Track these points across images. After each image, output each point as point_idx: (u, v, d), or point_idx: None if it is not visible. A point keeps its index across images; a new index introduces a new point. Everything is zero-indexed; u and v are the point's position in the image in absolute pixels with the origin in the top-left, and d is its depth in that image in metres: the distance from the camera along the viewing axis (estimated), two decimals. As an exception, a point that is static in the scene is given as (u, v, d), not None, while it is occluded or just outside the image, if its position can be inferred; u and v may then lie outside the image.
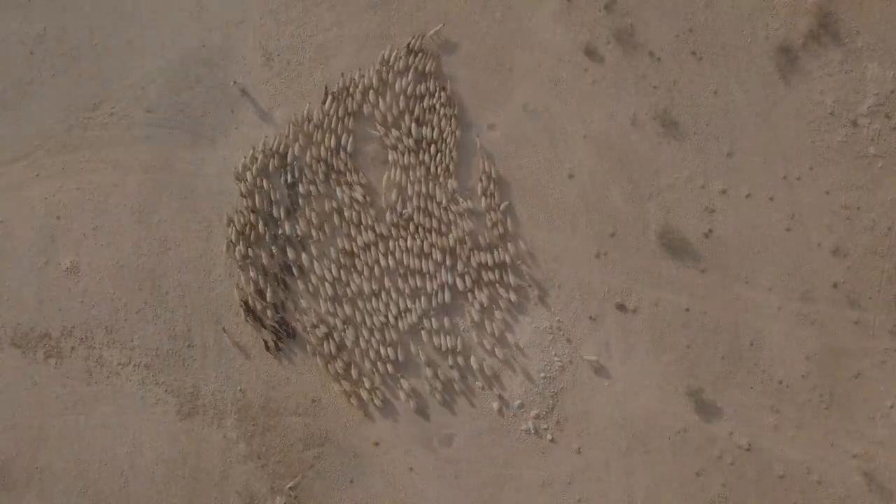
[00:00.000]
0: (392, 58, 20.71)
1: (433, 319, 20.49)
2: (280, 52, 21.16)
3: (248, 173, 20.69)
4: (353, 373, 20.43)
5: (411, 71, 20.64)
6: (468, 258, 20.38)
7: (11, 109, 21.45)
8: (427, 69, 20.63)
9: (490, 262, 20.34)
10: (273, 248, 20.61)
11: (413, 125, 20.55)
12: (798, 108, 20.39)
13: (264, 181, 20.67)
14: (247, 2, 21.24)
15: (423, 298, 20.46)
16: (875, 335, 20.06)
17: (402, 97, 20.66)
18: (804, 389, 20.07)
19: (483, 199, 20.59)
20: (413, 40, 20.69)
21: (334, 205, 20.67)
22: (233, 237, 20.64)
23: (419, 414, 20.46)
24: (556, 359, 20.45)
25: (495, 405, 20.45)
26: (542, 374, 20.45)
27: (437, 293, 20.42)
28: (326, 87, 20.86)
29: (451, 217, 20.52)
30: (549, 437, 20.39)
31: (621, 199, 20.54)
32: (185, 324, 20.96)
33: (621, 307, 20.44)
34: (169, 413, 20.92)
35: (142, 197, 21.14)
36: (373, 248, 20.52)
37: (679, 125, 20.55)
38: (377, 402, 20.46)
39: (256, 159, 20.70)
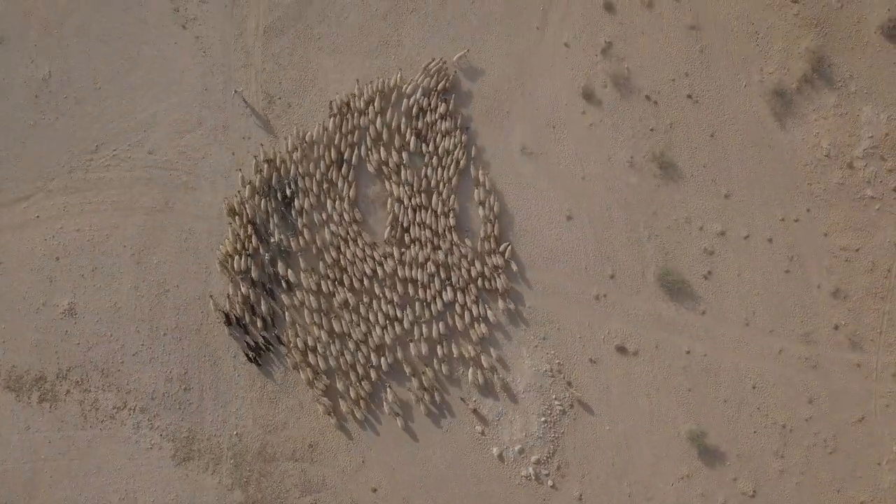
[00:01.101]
0: (399, 80, 21.02)
1: (423, 326, 20.44)
2: (282, 95, 21.44)
3: (247, 187, 20.85)
4: (339, 385, 20.28)
5: (419, 90, 20.88)
6: (459, 268, 20.40)
7: (14, 151, 21.61)
8: (439, 88, 20.91)
9: (484, 272, 20.36)
10: (266, 255, 20.65)
11: (413, 139, 20.80)
12: (794, 150, 20.57)
13: (261, 201, 20.80)
14: (249, 46, 21.59)
15: (416, 305, 20.43)
16: (878, 378, 19.88)
17: (404, 116, 20.88)
18: (808, 434, 19.80)
19: (480, 208, 20.68)
20: (433, 62, 21.02)
21: (324, 217, 20.80)
22: (228, 249, 20.65)
23: (406, 431, 20.27)
24: (556, 402, 20.21)
25: (495, 450, 20.14)
26: (543, 419, 20.20)
27: (429, 303, 20.41)
28: (331, 103, 21.13)
29: (443, 230, 20.57)
30: (549, 482, 20.03)
31: (620, 241, 20.57)
32: (182, 366, 20.78)
33: (622, 350, 20.29)
34: (164, 458, 20.58)
35: (142, 238, 21.17)
36: (359, 262, 20.55)
37: (677, 167, 20.69)
38: (359, 414, 20.26)
39: (261, 171, 20.88)
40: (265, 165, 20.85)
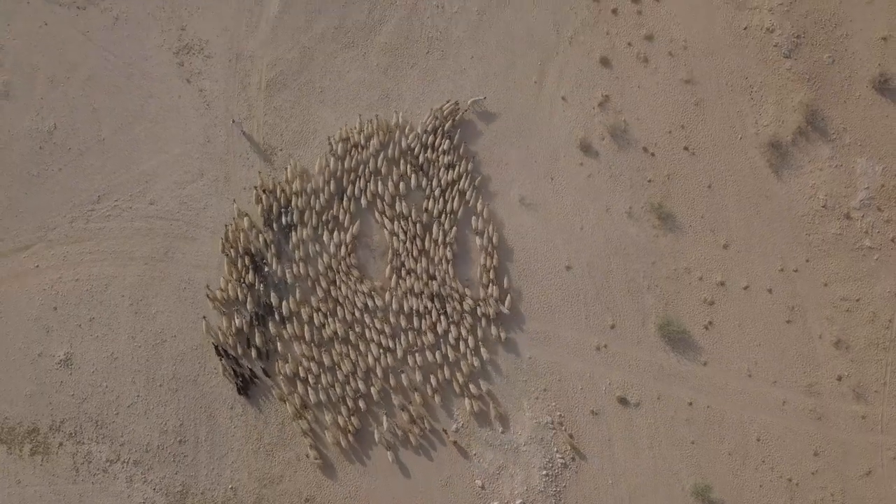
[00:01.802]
0: (400, 120, 21.35)
1: (416, 356, 20.27)
2: (283, 146, 21.69)
3: (244, 218, 20.99)
4: (328, 417, 20.05)
5: (421, 128, 21.18)
6: (453, 300, 20.40)
7: (16, 202, 21.74)
8: (446, 127, 21.19)
9: (479, 304, 20.37)
10: (261, 285, 20.64)
11: (413, 175, 21.01)
12: (791, 201, 20.73)
13: (258, 234, 20.91)
14: (252, 98, 21.96)
15: (409, 335, 20.37)
16: (884, 430, 19.59)
17: (404, 153, 21.14)
18: (815, 488, 19.40)
19: (477, 238, 20.76)
20: (447, 104, 21.32)
21: (318, 248, 20.86)
22: (222, 284, 20.69)
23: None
24: (557, 455, 19.86)
25: (496, 505, 19.78)
26: (544, 472, 19.81)
27: (423, 332, 20.34)
28: (329, 138, 21.39)
29: (440, 259, 20.63)
30: (552, 539, 19.58)
31: (620, 291, 20.53)
32: (177, 418, 20.47)
33: (623, 401, 20.05)
34: (156, 513, 20.14)
35: (140, 288, 21.11)
36: (350, 295, 20.56)
37: (675, 218, 20.82)
38: (344, 443, 19.94)
39: (261, 201, 21.00)
40: (263, 194, 21.01)
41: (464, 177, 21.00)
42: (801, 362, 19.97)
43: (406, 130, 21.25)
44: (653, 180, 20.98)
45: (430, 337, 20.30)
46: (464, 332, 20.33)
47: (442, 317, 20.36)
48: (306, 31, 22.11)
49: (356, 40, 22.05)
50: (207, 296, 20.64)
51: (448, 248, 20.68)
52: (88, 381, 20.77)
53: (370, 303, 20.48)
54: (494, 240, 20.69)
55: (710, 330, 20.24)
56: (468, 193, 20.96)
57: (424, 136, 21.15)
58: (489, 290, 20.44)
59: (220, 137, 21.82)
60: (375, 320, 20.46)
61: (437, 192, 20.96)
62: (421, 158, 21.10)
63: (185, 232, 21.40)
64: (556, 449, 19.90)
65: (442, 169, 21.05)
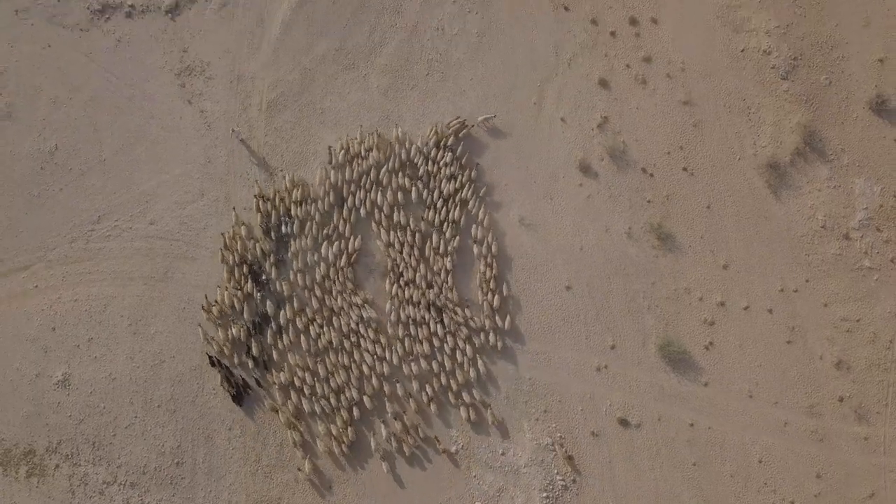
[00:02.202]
0: (400, 134, 21.44)
1: (412, 365, 20.16)
2: (283, 167, 21.77)
3: (242, 227, 21.04)
4: (321, 428, 19.91)
5: (421, 141, 21.29)
6: (450, 308, 20.39)
7: (16, 222, 21.78)
8: (449, 143, 21.26)
9: (473, 315, 20.38)
10: (258, 294, 20.61)
11: (414, 188, 21.05)
12: (790, 222, 20.77)
13: (256, 244, 20.93)
14: (253, 119, 22.09)
15: (405, 342, 20.31)
16: (887, 452, 19.45)
17: (406, 165, 21.23)
18: (818, 511, 19.27)
19: (475, 246, 20.78)
20: (454, 120, 21.42)
21: (315, 258, 20.85)
22: (217, 298, 20.68)
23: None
24: (558, 477, 19.70)
25: (496, 528, 19.56)
26: (545, 494, 19.64)
27: (420, 341, 20.28)
28: (330, 148, 21.46)
29: (439, 269, 20.62)
30: (553, 563, 19.36)
31: (620, 312, 20.49)
32: (175, 439, 20.32)
33: (624, 422, 19.93)
34: (152, 537, 19.92)
35: (139, 308, 21.07)
36: (346, 307, 20.55)
37: (674, 238, 20.84)
38: (337, 450, 19.76)
39: (259, 210, 21.05)
40: (261, 201, 21.08)
41: (467, 186, 21.06)
42: (803, 383, 19.89)
43: (407, 144, 21.37)
44: (652, 201, 21.04)
45: (425, 346, 20.24)
46: (460, 343, 20.27)
47: (438, 326, 20.30)
48: (307, 52, 22.30)
49: (357, 62, 22.23)
50: (202, 307, 20.60)
51: (448, 259, 20.68)
52: (86, 402, 20.65)
53: (364, 314, 20.46)
54: (493, 249, 20.69)
55: (710, 350, 20.18)
56: (471, 203, 21.00)
57: (426, 148, 21.24)
58: (487, 298, 20.41)
59: (220, 158, 21.90)
60: (370, 331, 20.44)
61: (438, 203, 21.00)
62: (421, 170, 21.18)
63: (184, 252, 21.40)
64: (556, 471, 19.74)
65: (444, 180, 21.11)
